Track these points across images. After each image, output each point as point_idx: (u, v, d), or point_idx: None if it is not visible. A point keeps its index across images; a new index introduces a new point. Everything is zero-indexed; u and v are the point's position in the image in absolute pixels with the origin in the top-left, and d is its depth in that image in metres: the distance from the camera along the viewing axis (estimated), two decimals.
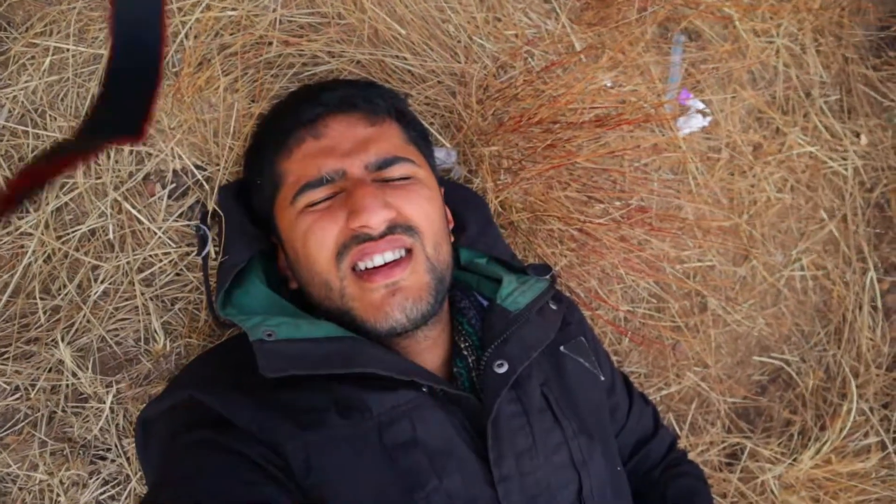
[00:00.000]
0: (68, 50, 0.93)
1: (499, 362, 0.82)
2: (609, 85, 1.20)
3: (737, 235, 1.31)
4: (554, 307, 0.94)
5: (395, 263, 0.79)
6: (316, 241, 0.80)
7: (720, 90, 1.29)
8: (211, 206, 0.96)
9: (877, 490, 1.21)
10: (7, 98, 0.91)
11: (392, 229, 0.79)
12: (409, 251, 0.81)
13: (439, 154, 1.10)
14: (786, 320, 1.35)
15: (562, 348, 0.92)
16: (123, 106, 0.31)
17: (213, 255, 0.94)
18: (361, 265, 0.79)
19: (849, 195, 1.37)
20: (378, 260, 0.79)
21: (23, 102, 0.92)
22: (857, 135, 1.37)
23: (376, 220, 0.77)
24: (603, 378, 0.94)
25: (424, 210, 0.83)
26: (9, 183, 0.29)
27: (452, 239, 0.95)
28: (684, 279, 1.24)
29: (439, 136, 1.11)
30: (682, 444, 1.28)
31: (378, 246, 0.78)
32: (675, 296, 1.28)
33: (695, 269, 1.28)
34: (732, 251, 1.32)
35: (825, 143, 1.36)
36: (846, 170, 1.37)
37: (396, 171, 0.84)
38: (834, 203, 1.38)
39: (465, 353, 0.88)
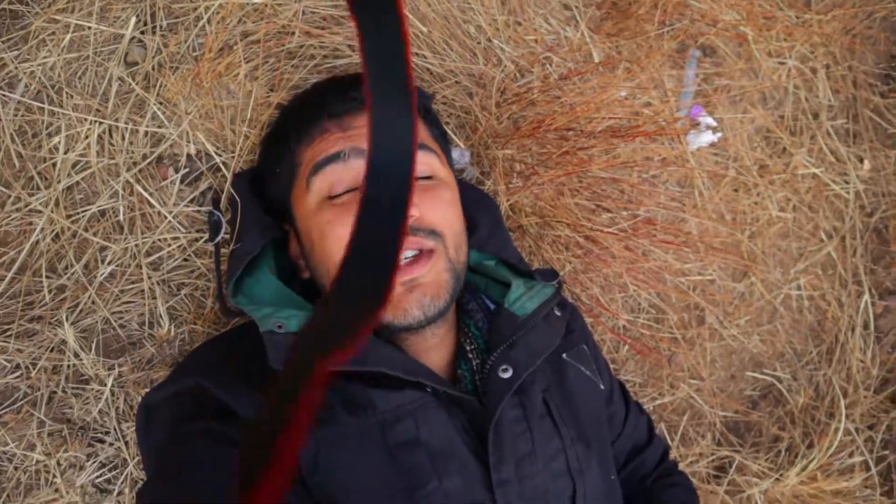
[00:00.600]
0: (89, 28, 0.91)
1: (504, 367, 0.82)
2: (624, 95, 1.21)
3: (738, 252, 1.32)
4: (559, 313, 0.95)
5: (414, 260, 0.79)
6: (336, 235, 0.80)
7: (731, 108, 1.30)
8: (225, 191, 0.96)
9: None
10: (25, 73, 0.90)
11: (415, 231, 0.79)
12: (429, 250, 0.81)
13: (453, 154, 1.10)
14: (780, 338, 1.36)
15: (564, 356, 0.92)
16: (369, 271, 0.29)
17: (223, 240, 0.93)
18: None
19: (849, 218, 1.39)
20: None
21: (40, 78, 0.91)
22: (861, 160, 1.39)
23: None
24: (602, 387, 0.95)
25: (446, 213, 0.83)
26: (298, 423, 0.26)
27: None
28: (685, 291, 1.25)
29: (454, 136, 1.11)
30: (673, 454, 1.29)
31: None
32: (675, 308, 1.29)
33: (695, 283, 1.29)
34: (732, 267, 1.34)
35: (829, 166, 1.38)
36: (848, 193, 1.38)
37: (423, 158, 0.83)
38: (834, 225, 1.39)
39: (470, 355, 0.88)
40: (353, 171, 0.81)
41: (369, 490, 0.73)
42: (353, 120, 0.84)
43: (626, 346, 1.27)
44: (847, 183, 1.39)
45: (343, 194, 0.81)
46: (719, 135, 1.30)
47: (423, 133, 0.88)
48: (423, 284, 0.79)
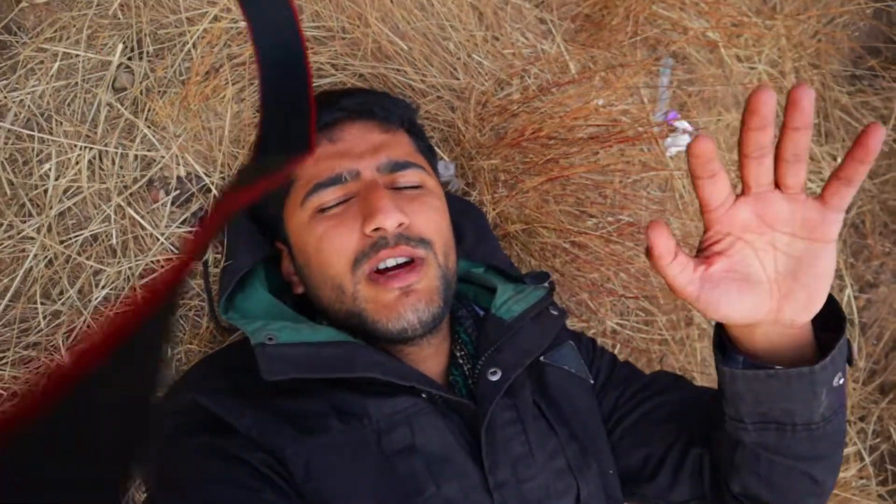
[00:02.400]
0: (77, 56, 0.93)
1: (492, 370, 0.83)
2: (601, 104, 1.24)
3: None
4: (555, 313, 0.96)
5: (409, 268, 0.80)
6: (332, 247, 0.81)
7: (706, 112, 1.34)
8: (206, 206, 0.97)
9: (857, 498, 1.24)
10: (14, 102, 0.91)
11: (406, 240, 0.80)
12: (422, 259, 0.82)
13: (438, 166, 1.13)
14: None
15: (542, 358, 0.92)
16: (286, 122, 0.32)
17: (212, 260, 0.94)
18: (378, 267, 0.80)
19: None
20: (391, 262, 0.80)
21: (29, 106, 0.92)
22: (834, 157, 1.44)
23: (391, 222, 0.79)
24: (592, 381, 0.95)
25: (435, 221, 0.85)
26: (204, 222, 0.29)
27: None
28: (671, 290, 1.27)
29: (438, 150, 1.14)
30: None
31: (393, 252, 0.80)
32: (663, 309, 1.31)
33: None
34: None
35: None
36: None
37: (408, 175, 0.85)
38: None
39: (461, 361, 0.89)
40: (347, 188, 0.83)
41: (365, 499, 0.73)
42: (342, 130, 0.86)
43: (619, 347, 1.29)
44: (822, 181, 1.43)
45: (335, 206, 0.83)
46: None
47: (408, 148, 0.90)
48: (418, 291, 0.80)
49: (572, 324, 1.27)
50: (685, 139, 1.34)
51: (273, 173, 0.31)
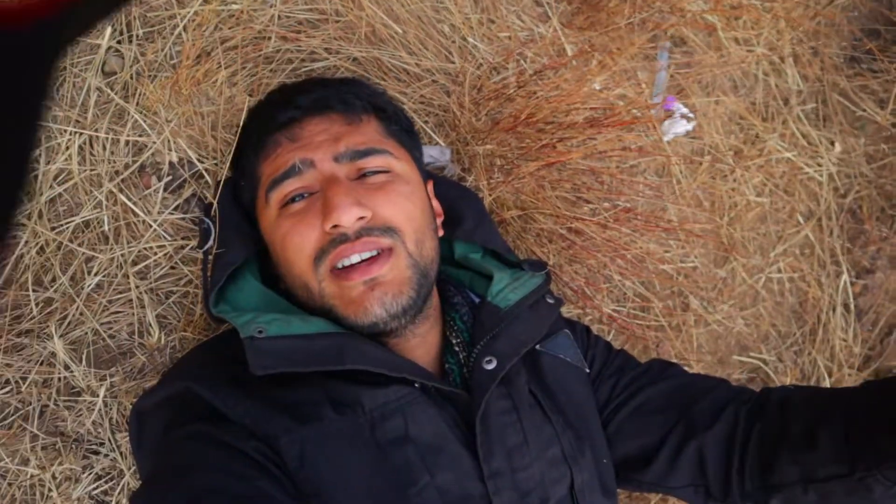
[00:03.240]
0: None
1: (487, 359, 0.83)
2: (598, 87, 1.23)
3: (717, 237, 1.35)
4: (551, 301, 0.95)
5: (372, 260, 0.79)
6: (294, 245, 0.80)
7: (704, 96, 1.33)
8: (202, 190, 0.96)
9: None
10: None
11: (369, 231, 0.79)
12: (389, 249, 0.81)
13: (433, 152, 1.11)
14: (764, 321, 1.39)
15: (538, 347, 0.92)
16: None
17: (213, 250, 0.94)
18: (339, 264, 0.79)
19: (823, 200, 1.42)
20: (355, 258, 0.79)
21: None
22: (832, 142, 1.43)
23: (348, 218, 0.77)
24: (588, 370, 0.95)
25: (403, 208, 0.83)
26: None
27: (441, 233, 0.95)
28: (669, 277, 1.27)
29: (433, 135, 1.13)
30: None
31: (354, 247, 0.78)
32: (660, 296, 1.31)
33: (678, 270, 1.31)
34: (714, 253, 1.36)
35: (802, 150, 1.41)
36: (821, 175, 1.42)
37: (371, 162, 0.84)
38: (810, 207, 1.42)
39: (457, 348, 0.88)
40: (304, 180, 0.82)
41: (359, 488, 0.73)
42: (301, 128, 0.85)
43: (613, 334, 1.29)
44: (820, 166, 1.42)
45: (295, 200, 0.82)
46: (693, 123, 1.33)
47: (374, 135, 0.87)
48: (384, 283, 0.79)
49: (568, 310, 1.27)
50: (683, 124, 1.33)
51: None
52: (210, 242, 0.92)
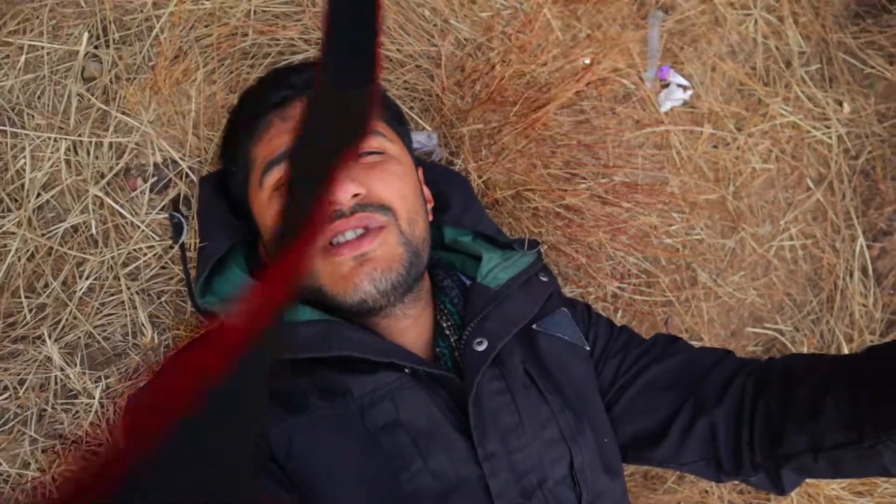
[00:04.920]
0: (43, 48, 0.93)
1: (478, 340, 0.82)
2: (587, 63, 1.20)
3: (723, 207, 1.31)
4: (544, 279, 0.94)
5: (363, 236, 0.78)
6: None
7: (700, 64, 1.29)
8: (185, 191, 0.97)
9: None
10: None
11: (363, 207, 0.79)
12: (380, 227, 0.80)
13: (420, 137, 1.10)
14: (777, 290, 1.35)
15: (534, 326, 0.91)
16: (350, 50, 0.30)
17: (190, 243, 0.94)
18: (333, 241, 0.78)
19: (834, 163, 1.37)
20: (350, 235, 0.78)
21: (0, 102, 0.92)
22: (840, 103, 1.38)
23: (343, 195, 0.77)
24: (588, 348, 0.93)
25: (396, 187, 0.83)
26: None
27: (431, 218, 0.94)
28: (674, 251, 1.24)
29: (419, 120, 1.11)
30: None
31: (349, 222, 0.78)
32: (666, 270, 1.28)
33: (683, 243, 1.28)
34: (720, 224, 1.32)
35: (808, 113, 1.36)
36: (830, 138, 1.37)
37: (366, 143, 0.83)
38: (819, 171, 1.38)
39: (448, 332, 0.87)
40: None
41: (350, 475, 0.72)
42: (294, 108, 0.85)
43: (620, 313, 1.26)
44: (828, 128, 1.37)
45: None
46: (690, 92, 1.29)
47: None
48: (374, 258, 0.78)
49: (571, 290, 1.25)
50: (679, 93, 1.29)
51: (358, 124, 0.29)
52: (184, 236, 0.92)
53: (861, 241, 1.36)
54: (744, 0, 1.31)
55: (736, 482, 1.21)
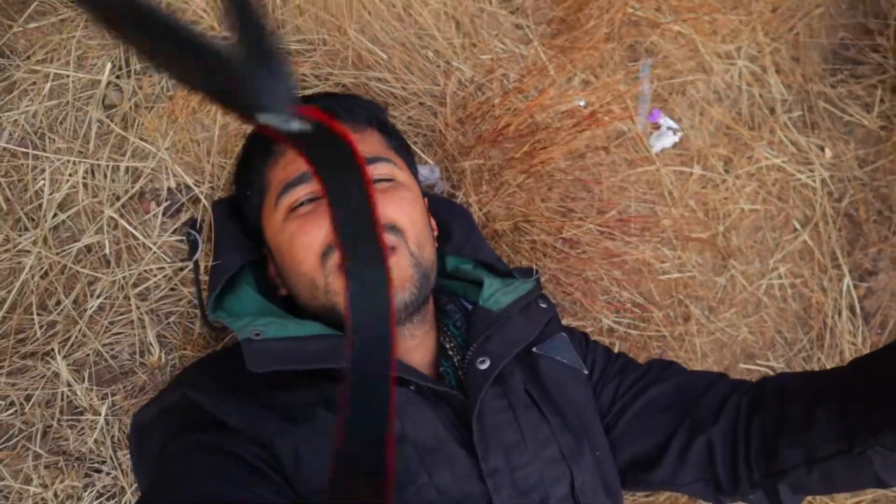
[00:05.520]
0: (68, 76, 0.98)
1: (481, 359, 0.84)
2: (583, 104, 1.26)
3: (714, 245, 1.35)
4: (543, 305, 0.97)
5: None
6: (302, 244, 0.84)
7: (689, 109, 1.36)
8: (197, 215, 1.00)
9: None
10: (9, 122, 0.95)
11: None
12: (392, 248, 0.84)
13: (423, 171, 1.15)
14: (768, 328, 1.38)
15: (534, 349, 0.93)
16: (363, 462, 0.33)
17: (202, 264, 0.97)
18: None
19: (819, 205, 1.42)
20: None
21: (23, 125, 0.96)
22: (822, 148, 1.44)
23: None
24: (586, 372, 0.96)
25: (406, 211, 0.87)
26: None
27: (436, 245, 0.98)
28: (667, 286, 1.27)
29: (423, 154, 1.16)
30: None
31: None
32: (659, 305, 1.31)
33: (676, 280, 1.32)
34: (711, 262, 1.36)
35: (792, 157, 1.42)
36: (814, 181, 1.42)
37: (378, 169, 0.88)
38: (805, 213, 1.43)
39: (451, 353, 0.90)
40: (315, 185, 0.86)
41: None
42: None
43: (617, 345, 1.28)
44: (812, 172, 1.43)
45: (304, 203, 0.85)
46: (680, 135, 1.35)
47: (378, 146, 0.92)
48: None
49: (568, 322, 1.27)
50: (670, 136, 1.36)
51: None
52: (198, 252, 0.95)
53: (848, 280, 1.40)
54: (728, 49, 1.39)
55: None
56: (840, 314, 1.40)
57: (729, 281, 1.37)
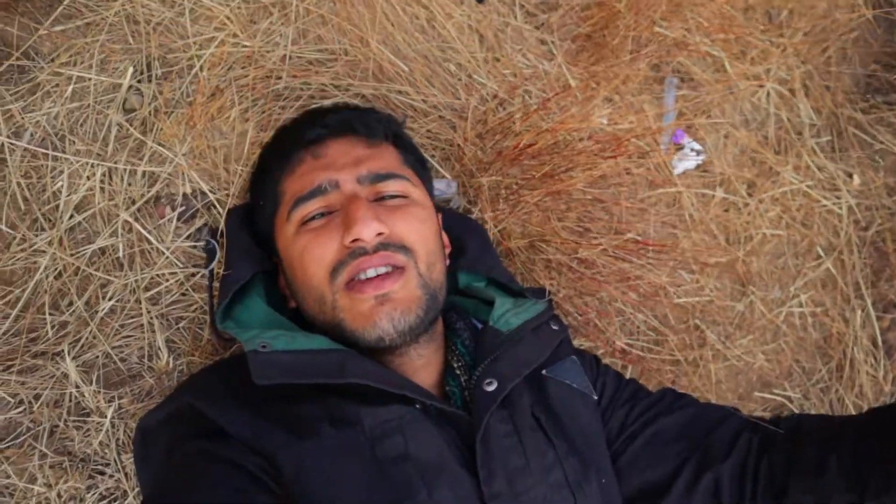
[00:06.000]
0: (90, 79, 0.98)
1: (488, 380, 0.83)
2: (605, 122, 1.25)
3: (733, 270, 1.33)
4: (555, 327, 0.96)
5: (385, 276, 0.82)
6: (312, 258, 0.83)
7: (713, 131, 1.34)
8: (212, 222, 1.00)
9: None
10: (31, 122, 0.96)
11: (385, 246, 0.82)
12: (401, 268, 0.83)
13: (440, 185, 1.14)
14: (786, 356, 1.35)
15: (544, 372, 0.92)
16: None
17: (218, 270, 0.97)
18: (355, 278, 0.81)
19: (844, 233, 1.39)
20: (371, 273, 0.81)
21: (45, 127, 0.97)
22: (850, 175, 1.41)
23: (368, 232, 0.80)
24: (595, 397, 0.94)
25: (418, 230, 0.86)
26: None
27: (448, 262, 0.97)
28: (684, 310, 1.25)
29: (440, 168, 1.16)
30: None
31: (371, 260, 0.81)
32: (674, 329, 1.29)
33: (693, 304, 1.30)
34: (730, 286, 1.34)
35: (818, 182, 1.39)
36: (840, 208, 1.39)
37: (391, 186, 0.87)
38: (830, 240, 1.40)
39: (458, 372, 0.89)
40: (328, 199, 0.86)
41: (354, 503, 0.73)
42: (326, 147, 0.89)
43: (629, 368, 1.27)
44: (839, 198, 1.40)
45: (315, 218, 0.85)
46: (703, 157, 1.33)
47: (393, 161, 0.92)
48: (395, 299, 0.81)
49: (580, 343, 1.26)
50: (693, 157, 1.33)
51: None
52: (215, 262, 0.95)
53: (871, 311, 1.37)
54: (756, 71, 1.36)
55: None
56: (861, 346, 1.37)
57: (747, 307, 1.34)
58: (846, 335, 1.37)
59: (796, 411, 1.34)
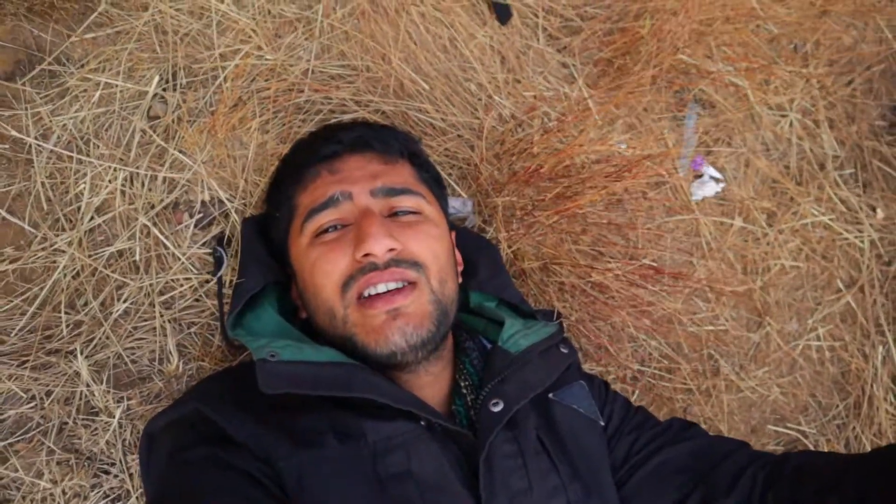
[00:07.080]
0: (117, 86, 1.01)
1: (494, 401, 0.83)
2: (623, 147, 1.25)
3: (750, 300, 1.31)
4: (564, 351, 0.95)
5: (396, 291, 0.82)
6: (323, 271, 0.84)
7: (734, 159, 1.33)
8: (227, 230, 1.02)
9: None
10: (58, 125, 0.99)
11: (397, 262, 0.83)
12: (412, 283, 0.84)
13: (455, 203, 1.15)
14: (802, 390, 1.32)
15: (550, 395, 0.92)
16: None
17: (227, 279, 0.98)
18: (366, 293, 0.82)
19: (866, 267, 1.37)
20: (381, 288, 0.82)
21: (71, 130, 1.00)
22: (874, 208, 1.39)
23: (380, 247, 0.81)
24: (602, 423, 0.93)
25: (430, 246, 0.87)
26: None
27: (460, 280, 0.97)
28: (697, 338, 1.24)
29: (456, 187, 1.16)
30: None
31: (382, 275, 0.82)
32: (687, 358, 1.27)
33: (708, 333, 1.28)
34: (746, 317, 1.32)
35: (840, 215, 1.37)
36: (862, 242, 1.37)
37: (405, 201, 0.88)
38: (851, 274, 1.38)
39: (465, 391, 0.89)
40: (341, 211, 0.86)
41: None
42: (342, 162, 0.90)
43: (638, 394, 1.25)
44: (861, 232, 1.38)
45: (328, 231, 0.86)
46: (723, 185, 1.32)
47: (408, 177, 0.93)
48: (406, 314, 0.82)
49: (591, 368, 1.25)
50: (712, 185, 1.32)
51: None
52: (223, 269, 0.97)
53: (892, 348, 1.34)
54: (779, 101, 1.35)
55: None
56: (881, 383, 1.33)
57: (763, 338, 1.32)
58: (865, 371, 1.34)
59: (811, 447, 1.31)
